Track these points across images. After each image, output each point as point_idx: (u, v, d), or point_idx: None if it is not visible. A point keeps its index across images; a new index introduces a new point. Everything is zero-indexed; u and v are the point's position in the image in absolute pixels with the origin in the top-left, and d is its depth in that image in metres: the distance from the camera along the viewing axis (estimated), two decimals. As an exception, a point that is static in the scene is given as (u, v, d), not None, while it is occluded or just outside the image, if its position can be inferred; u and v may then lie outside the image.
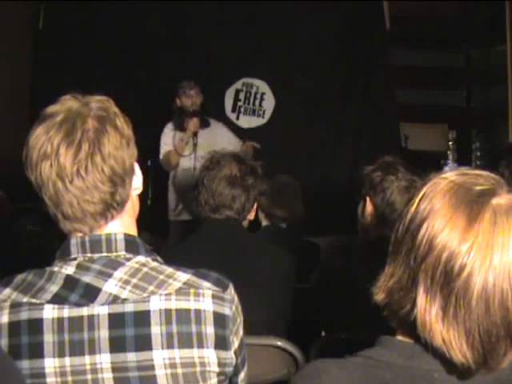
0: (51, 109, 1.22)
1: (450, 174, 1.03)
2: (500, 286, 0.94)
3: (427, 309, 0.97)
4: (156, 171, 4.87)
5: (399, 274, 1.02)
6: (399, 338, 1.07)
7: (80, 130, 1.18)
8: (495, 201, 0.97)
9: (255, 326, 1.83)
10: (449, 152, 6.34)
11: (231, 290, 1.28)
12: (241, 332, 1.30)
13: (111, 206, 1.23)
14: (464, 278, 0.94)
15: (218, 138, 4.65)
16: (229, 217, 2.23)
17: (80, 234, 1.24)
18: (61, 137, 1.17)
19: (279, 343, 2.03)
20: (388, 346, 1.06)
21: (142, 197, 1.36)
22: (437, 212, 0.98)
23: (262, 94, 5.89)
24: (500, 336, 0.95)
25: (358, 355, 1.08)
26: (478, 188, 0.99)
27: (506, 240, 0.95)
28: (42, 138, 1.18)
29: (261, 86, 5.90)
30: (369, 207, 2.31)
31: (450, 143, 6.35)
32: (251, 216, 2.35)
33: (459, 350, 0.96)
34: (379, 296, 1.05)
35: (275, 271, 2.18)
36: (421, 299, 0.98)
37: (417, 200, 1.02)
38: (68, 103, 1.22)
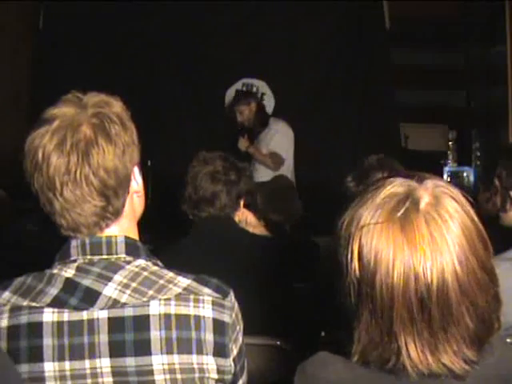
0: (49, 113, 1.20)
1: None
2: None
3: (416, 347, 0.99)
4: (156, 171, 4.87)
5: (370, 332, 1.02)
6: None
7: (70, 140, 1.16)
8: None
9: (254, 326, 1.83)
10: (449, 152, 6.34)
11: (231, 297, 1.26)
12: (240, 339, 1.28)
13: (104, 217, 1.22)
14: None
15: (267, 142, 4.82)
16: (214, 214, 2.24)
17: (80, 237, 1.23)
18: (51, 147, 1.16)
19: (278, 343, 2.02)
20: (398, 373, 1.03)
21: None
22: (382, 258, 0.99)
23: (262, 94, 5.89)
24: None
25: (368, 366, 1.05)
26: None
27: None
28: (35, 146, 1.17)
29: (261, 86, 5.90)
30: None
31: (450, 143, 6.36)
32: (239, 216, 2.36)
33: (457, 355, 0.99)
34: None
35: (270, 270, 2.18)
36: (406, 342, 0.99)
37: (356, 257, 1.02)
38: (64, 108, 1.20)
